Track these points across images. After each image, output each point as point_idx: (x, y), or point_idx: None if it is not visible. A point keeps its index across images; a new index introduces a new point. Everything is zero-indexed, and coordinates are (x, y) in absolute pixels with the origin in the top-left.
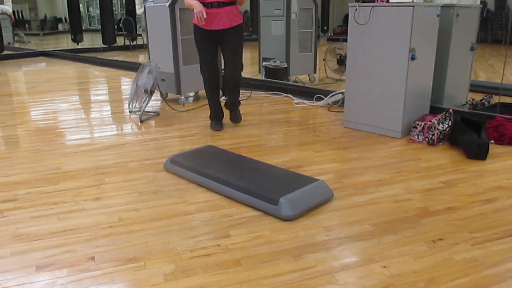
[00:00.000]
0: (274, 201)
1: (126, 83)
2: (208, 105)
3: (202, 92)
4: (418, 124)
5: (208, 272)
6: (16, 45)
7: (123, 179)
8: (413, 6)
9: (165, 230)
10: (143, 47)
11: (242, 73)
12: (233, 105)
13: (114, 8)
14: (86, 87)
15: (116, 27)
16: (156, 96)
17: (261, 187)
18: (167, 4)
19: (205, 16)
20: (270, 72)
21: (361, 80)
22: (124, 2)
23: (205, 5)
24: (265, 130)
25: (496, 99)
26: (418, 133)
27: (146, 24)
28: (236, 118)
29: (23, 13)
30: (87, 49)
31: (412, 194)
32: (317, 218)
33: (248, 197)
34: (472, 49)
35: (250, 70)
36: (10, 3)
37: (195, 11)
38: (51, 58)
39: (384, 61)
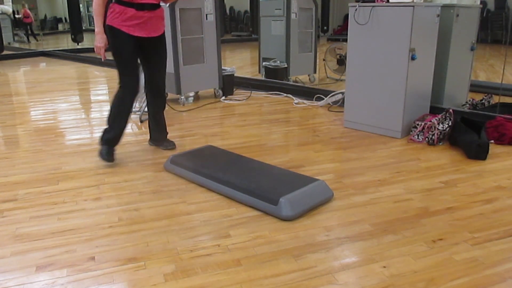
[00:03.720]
0: (274, 201)
1: None
2: (112, 123)
3: (202, 92)
4: (418, 124)
5: (208, 272)
6: (16, 45)
7: (123, 179)
8: (413, 6)
9: (165, 230)
10: None
11: (241, 73)
12: (164, 134)
13: None
14: (86, 87)
15: None
16: None
17: (261, 187)
18: (167, 4)
19: (103, 58)
20: (270, 72)
21: (361, 80)
22: None
23: (135, 6)
24: (265, 130)
25: (496, 99)
26: (418, 133)
27: None
28: (169, 143)
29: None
30: (87, 49)
31: (412, 194)
32: (317, 218)
33: (248, 197)
34: (472, 49)
35: (250, 70)
36: (10, 3)
37: (95, 42)
38: (51, 58)
39: (384, 61)
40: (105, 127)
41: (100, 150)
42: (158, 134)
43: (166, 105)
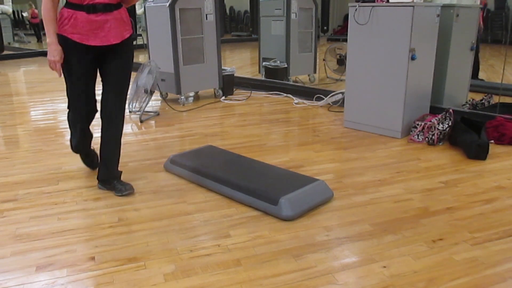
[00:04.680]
0: (274, 201)
1: None
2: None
3: (202, 92)
4: (418, 124)
5: (208, 272)
6: (16, 45)
7: (123, 179)
8: (413, 6)
9: (165, 230)
10: (143, 47)
11: (241, 73)
12: (113, 173)
13: None
14: None
15: None
16: (156, 96)
17: (261, 187)
18: (167, 4)
19: (59, 74)
20: (270, 72)
21: (361, 80)
22: None
23: (85, 8)
24: (265, 130)
25: (496, 99)
26: (418, 133)
27: (146, 24)
28: (124, 187)
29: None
30: None
31: (412, 194)
32: (317, 218)
33: (248, 197)
34: (472, 49)
35: (250, 70)
36: (10, 3)
37: (48, 55)
38: None
39: (384, 61)
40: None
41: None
42: (106, 172)
43: (166, 106)
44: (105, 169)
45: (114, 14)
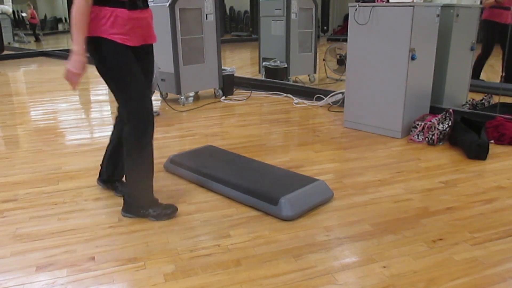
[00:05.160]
0: (274, 201)
1: None
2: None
3: (202, 92)
4: (418, 124)
5: (208, 272)
6: (16, 45)
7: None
8: (413, 6)
9: (165, 230)
10: None
11: (241, 73)
12: (123, 171)
13: None
14: (86, 87)
15: None
16: (156, 96)
17: (261, 187)
18: (167, 4)
19: (74, 87)
20: (270, 72)
21: (361, 80)
22: None
23: (126, 5)
24: (265, 130)
25: (496, 99)
26: (418, 133)
27: None
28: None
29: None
30: None
31: (412, 194)
32: (317, 218)
33: (248, 197)
34: (472, 49)
35: (250, 70)
36: (10, 3)
37: (69, 65)
38: (51, 58)
39: (384, 61)
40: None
41: (158, 214)
42: (112, 173)
43: (166, 106)
44: (112, 169)
45: (149, 11)
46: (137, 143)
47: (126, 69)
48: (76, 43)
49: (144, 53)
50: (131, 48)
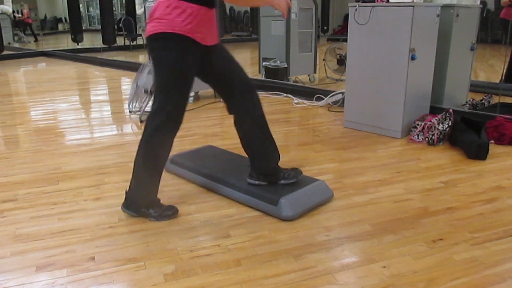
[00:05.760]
0: (274, 201)
1: (126, 83)
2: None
3: (202, 92)
4: (418, 124)
5: (208, 272)
6: (16, 45)
7: (123, 179)
8: (413, 6)
9: (165, 230)
10: (143, 47)
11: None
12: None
13: (114, 8)
14: (86, 87)
15: (116, 27)
16: None
17: (261, 187)
18: None
19: (286, 16)
20: (270, 72)
21: (361, 80)
22: (124, 2)
23: (209, 3)
24: None
25: (496, 99)
26: (418, 133)
27: (146, 24)
28: (293, 172)
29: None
30: (87, 49)
31: (412, 194)
32: (317, 218)
33: (248, 197)
34: (472, 49)
35: (250, 70)
36: (10, 3)
37: (277, 4)
38: (51, 58)
39: (384, 61)
40: (131, 186)
41: (159, 214)
42: (276, 155)
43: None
44: (273, 150)
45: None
46: (161, 142)
47: (190, 72)
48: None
49: (218, 50)
50: (204, 47)
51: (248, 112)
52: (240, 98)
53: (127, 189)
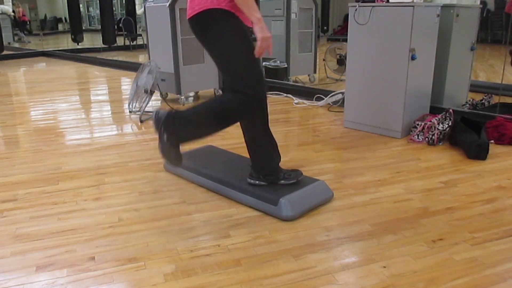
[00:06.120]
0: (274, 202)
1: (126, 83)
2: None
3: (202, 92)
4: (418, 124)
5: (208, 272)
6: (16, 45)
7: (123, 179)
8: (413, 6)
9: (165, 230)
10: (143, 47)
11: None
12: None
13: (114, 8)
14: (86, 87)
15: (116, 27)
16: (156, 96)
17: (261, 187)
18: (167, 4)
19: (270, 52)
20: (270, 72)
21: (361, 80)
22: (124, 2)
23: None
24: None
25: (496, 99)
26: (418, 133)
27: (146, 24)
28: (293, 173)
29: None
30: (87, 49)
31: (412, 194)
32: (317, 218)
33: (248, 197)
34: (472, 49)
35: None
36: (10, 3)
37: (265, 32)
38: (51, 58)
39: (384, 61)
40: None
41: (167, 150)
42: (277, 155)
43: (166, 106)
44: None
45: None
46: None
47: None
48: (256, 10)
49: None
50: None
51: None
52: None
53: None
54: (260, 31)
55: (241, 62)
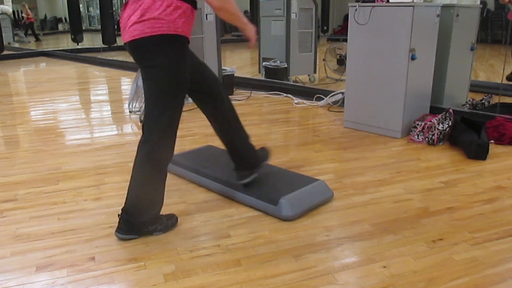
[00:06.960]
0: (274, 201)
1: (126, 83)
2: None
3: None
4: (418, 124)
5: (208, 272)
6: (16, 45)
7: (123, 179)
8: (413, 6)
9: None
10: None
11: (241, 73)
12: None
13: (114, 8)
14: (86, 87)
15: (116, 27)
16: None
17: (261, 187)
18: None
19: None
20: (270, 72)
21: (361, 80)
22: (124, 2)
23: (195, 3)
24: (265, 130)
25: (496, 99)
26: (418, 133)
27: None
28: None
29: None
30: (87, 49)
31: (412, 194)
32: (317, 218)
33: (248, 197)
34: (472, 49)
35: (250, 70)
36: (10, 3)
37: (253, 32)
38: (51, 58)
39: (384, 61)
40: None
41: (165, 224)
42: (249, 140)
43: None
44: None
45: None
46: (154, 172)
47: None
48: (243, 17)
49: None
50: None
51: (219, 119)
52: (209, 105)
53: (121, 213)
54: (250, 32)
55: (170, 102)
